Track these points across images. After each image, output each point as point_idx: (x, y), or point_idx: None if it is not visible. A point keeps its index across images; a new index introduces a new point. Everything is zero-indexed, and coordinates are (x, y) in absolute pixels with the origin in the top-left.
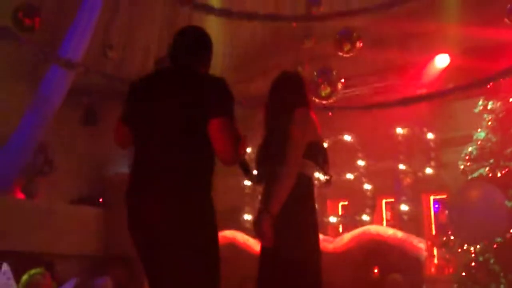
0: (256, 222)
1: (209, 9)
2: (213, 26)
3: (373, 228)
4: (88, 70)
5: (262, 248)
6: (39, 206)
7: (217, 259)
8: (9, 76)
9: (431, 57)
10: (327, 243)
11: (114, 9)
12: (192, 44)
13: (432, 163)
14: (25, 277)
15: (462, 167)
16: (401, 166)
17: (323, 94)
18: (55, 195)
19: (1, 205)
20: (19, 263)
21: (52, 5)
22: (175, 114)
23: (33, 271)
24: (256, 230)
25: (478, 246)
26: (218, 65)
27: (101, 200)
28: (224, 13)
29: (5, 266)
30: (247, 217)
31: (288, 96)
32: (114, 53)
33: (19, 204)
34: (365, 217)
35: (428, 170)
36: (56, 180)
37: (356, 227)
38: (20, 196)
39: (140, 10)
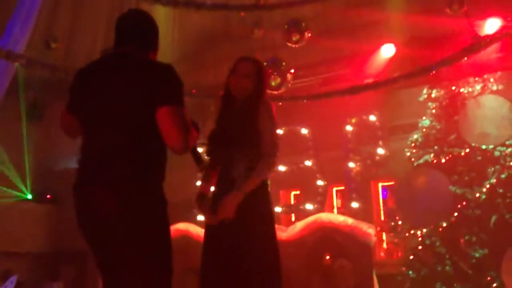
0: (217, 197)
1: None
2: (161, 16)
3: (325, 216)
4: (30, 61)
5: (216, 237)
6: None
7: (170, 251)
8: None
9: (378, 47)
10: (280, 231)
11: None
12: (138, 28)
13: (380, 151)
14: None
15: (408, 154)
16: (351, 155)
17: (273, 84)
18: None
19: None
20: None
21: None
22: (122, 103)
23: None
24: (220, 207)
25: (424, 230)
26: (167, 55)
27: (49, 196)
28: (171, 2)
29: None
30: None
31: (250, 84)
32: (58, 44)
33: None
34: (316, 206)
35: (376, 158)
36: (2, 176)
37: (308, 215)
38: None
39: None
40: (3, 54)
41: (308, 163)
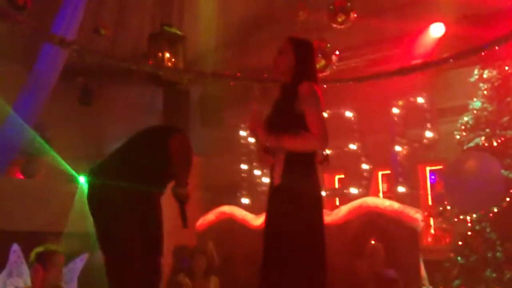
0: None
1: None
2: (206, 2)
3: (370, 200)
4: (82, 48)
5: (268, 222)
6: (39, 185)
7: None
8: (2, 57)
9: (426, 26)
10: (325, 215)
11: None
12: None
13: (428, 134)
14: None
15: (458, 137)
16: (397, 138)
17: (318, 66)
18: (54, 174)
19: (1, 186)
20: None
21: None
22: None
23: (38, 249)
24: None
25: (474, 216)
26: (212, 40)
27: None
28: None
29: (15, 246)
30: (244, 200)
31: (284, 61)
32: (107, 31)
33: (20, 184)
34: (362, 190)
35: (424, 141)
36: (54, 160)
37: (353, 199)
38: (19, 176)
39: None
40: (57, 40)
41: (353, 146)
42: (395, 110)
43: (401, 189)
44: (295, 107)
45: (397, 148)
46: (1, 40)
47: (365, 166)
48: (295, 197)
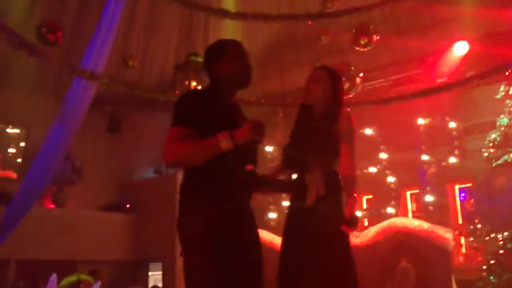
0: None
1: (224, 13)
2: (229, 26)
3: (399, 220)
4: (112, 81)
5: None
6: (69, 214)
7: None
8: (36, 89)
9: (450, 45)
10: (354, 237)
11: (130, 18)
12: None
13: (456, 152)
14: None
15: (486, 154)
16: (424, 157)
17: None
18: (84, 202)
19: (35, 214)
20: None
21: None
22: None
23: (63, 281)
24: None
25: (506, 233)
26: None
27: (128, 205)
28: (239, 16)
29: (54, 276)
30: (272, 215)
31: (320, 90)
32: (135, 62)
33: (51, 213)
34: (390, 210)
35: (452, 159)
36: (84, 188)
37: (382, 220)
38: (50, 205)
39: (156, 17)
40: (87, 75)
41: (379, 166)
42: (422, 129)
43: (430, 208)
44: (335, 133)
45: (425, 166)
46: (34, 74)
47: (393, 186)
48: (332, 222)
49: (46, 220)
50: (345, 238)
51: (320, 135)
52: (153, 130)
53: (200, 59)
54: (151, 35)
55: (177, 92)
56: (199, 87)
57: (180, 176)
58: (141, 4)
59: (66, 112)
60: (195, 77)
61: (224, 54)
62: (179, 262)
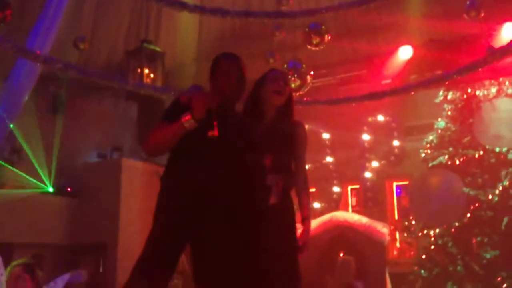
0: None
1: (182, 6)
2: (184, 16)
3: (340, 214)
4: (66, 67)
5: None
6: (7, 195)
7: None
8: None
9: (396, 49)
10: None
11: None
12: None
13: (395, 151)
14: (8, 268)
15: (423, 154)
16: (367, 154)
17: (293, 86)
18: (23, 184)
19: None
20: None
21: None
22: None
23: (14, 262)
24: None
25: (437, 230)
26: (190, 54)
27: (69, 189)
28: (197, 9)
29: None
30: None
31: (291, 98)
32: (85, 44)
33: None
34: (331, 204)
35: (391, 158)
36: (24, 169)
37: (323, 214)
38: None
39: (108, 1)
40: (41, 60)
41: (323, 161)
42: (365, 127)
43: (369, 203)
44: (295, 141)
45: (366, 163)
46: None
47: (335, 181)
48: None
49: None
50: (295, 231)
51: (283, 139)
52: (98, 113)
53: (153, 47)
54: (101, 17)
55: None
56: (152, 75)
57: (124, 161)
58: None
59: (9, 93)
60: (147, 65)
61: (215, 70)
62: (121, 248)
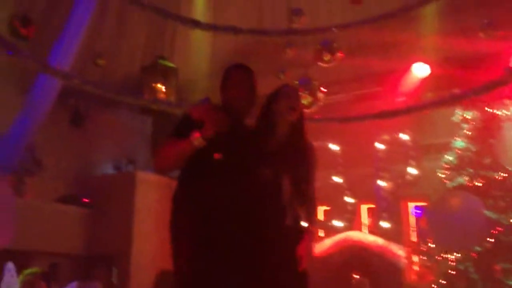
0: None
1: (196, 24)
2: (197, 34)
3: (354, 234)
4: (84, 82)
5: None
6: (27, 204)
7: None
8: (1, 83)
9: (410, 66)
10: None
11: (101, 16)
12: None
13: (412, 170)
14: (21, 276)
15: (441, 175)
16: (381, 173)
17: (304, 103)
18: (42, 194)
19: None
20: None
21: (41, 11)
22: None
23: (28, 271)
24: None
25: (458, 255)
26: (203, 70)
27: (85, 200)
28: (211, 27)
29: (10, 265)
30: None
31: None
32: (103, 60)
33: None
34: (346, 223)
35: (408, 177)
36: (44, 179)
37: (337, 232)
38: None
39: (125, 18)
40: (60, 75)
41: (337, 179)
42: (380, 145)
43: (385, 224)
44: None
45: (381, 182)
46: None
47: (349, 200)
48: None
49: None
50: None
51: (296, 155)
52: (115, 126)
53: (167, 63)
54: (119, 35)
55: (145, 96)
56: (166, 91)
57: (138, 174)
58: (110, 3)
59: (31, 106)
60: (162, 80)
61: (226, 81)
62: (134, 259)
